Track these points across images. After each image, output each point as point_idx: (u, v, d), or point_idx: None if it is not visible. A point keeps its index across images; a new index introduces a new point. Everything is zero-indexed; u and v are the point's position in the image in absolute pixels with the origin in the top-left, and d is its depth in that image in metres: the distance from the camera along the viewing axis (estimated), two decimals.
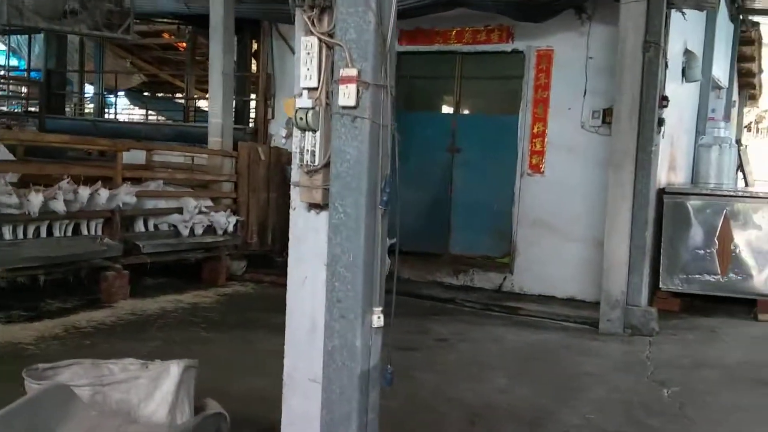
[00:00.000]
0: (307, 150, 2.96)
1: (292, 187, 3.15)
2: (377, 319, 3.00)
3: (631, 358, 6.55)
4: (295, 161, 3.09)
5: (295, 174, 3.12)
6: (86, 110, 19.16)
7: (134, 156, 9.66)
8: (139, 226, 8.31)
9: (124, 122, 13.85)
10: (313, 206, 3.06)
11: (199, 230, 8.64)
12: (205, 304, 7.92)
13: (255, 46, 11.60)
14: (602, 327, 7.49)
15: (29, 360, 5.25)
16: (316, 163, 2.95)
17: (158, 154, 9.83)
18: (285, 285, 8.52)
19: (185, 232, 8.40)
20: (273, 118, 10.80)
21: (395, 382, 3.37)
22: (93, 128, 11.53)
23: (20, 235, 6.95)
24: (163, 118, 21.11)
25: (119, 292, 7.68)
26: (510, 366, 6.10)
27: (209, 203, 9.10)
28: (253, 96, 11.74)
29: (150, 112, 24.04)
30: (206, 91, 11.92)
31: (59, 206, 6.75)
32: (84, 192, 7.11)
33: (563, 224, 9.08)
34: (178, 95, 22.09)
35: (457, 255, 9.94)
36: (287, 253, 9.25)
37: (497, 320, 7.96)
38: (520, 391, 5.43)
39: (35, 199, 6.54)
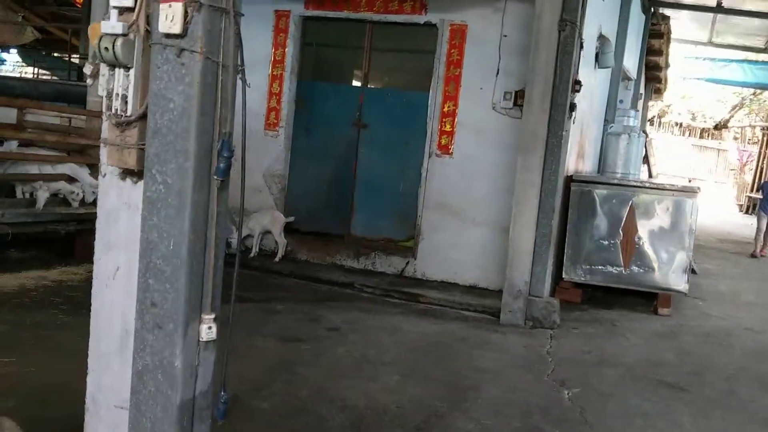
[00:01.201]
0: (118, 94, 2.30)
1: (101, 145, 2.48)
2: (207, 331, 2.37)
3: (531, 353, 6.22)
4: (105, 110, 2.42)
5: (105, 128, 2.45)
6: None
7: (6, 114, 8.62)
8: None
9: (2, 77, 12.49)
10: (127, 173, 2.40)
11: (75, 200, 7.74)
12: (72, 282, 7.07)
13: None
14: (503, 318, 7.17)
15: None
16: (129, 113, 2.30)
17: (32, 113, 8.81)
18: None
19: (41, 201, 7.47)
20: None
21: (226, 417, 2.65)
22: None
23: None
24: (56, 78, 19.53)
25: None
26: (402, 361, 5.64)
27: (86, 170, 8.19)
28: None
29: (43, 72, 22.32)
30: None
31: None
32: None
33: (470, 208, 8.70)
34: (75, 56, 20.53)
35: (359, 237, 9.42)
36: None
37: (396, 308, 7.51)
38: (410, 390, 4.97)
39: None
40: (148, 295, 2.28)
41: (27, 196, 7.66)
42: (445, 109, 8.81)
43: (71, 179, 7.86)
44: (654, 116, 30.59)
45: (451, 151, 8.79)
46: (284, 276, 8.56)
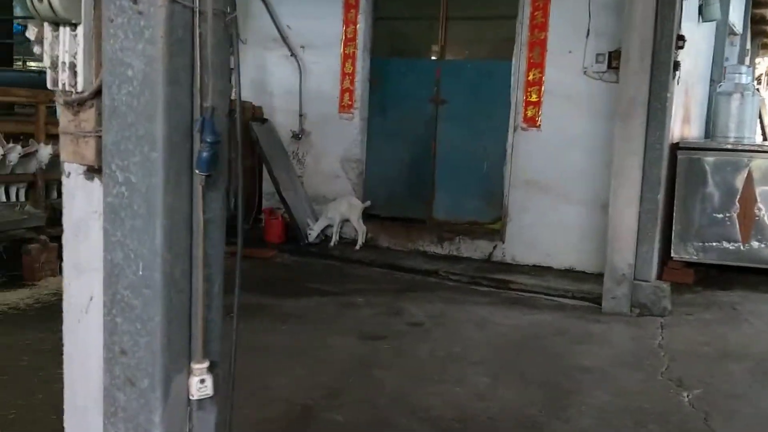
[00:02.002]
0: (65, 63, 1.78)
1: (60, 134, 1.97)
2: (200, 385, 1.75)
3: (640, 346, 5.50)
4: (50, 85, 1.91)
5: (59, 111, 1.94)
6: None
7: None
8: None
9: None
10: (92, 171, 1.87)
11: None
12: None
13: None
14: (605, 305, 6.44)
15: None
16: (81, 88, 1.78)
17: None
18: (246, 256, 7.44)
19: None
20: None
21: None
22: (39, 80, 10.31)
23: None
24: None
25: (44, 267, 6.64)
26: (492, 359, 5.05)
27: None
28: None
29: None
30: None
31: None
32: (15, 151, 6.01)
33: (562, 185, 7.96)
34: None
35: (442, 221, 8.84)
36: (253, 220, 7.82)
37: (484, 297, 6.91)
38: (502, 395, 4.38)
39: None
40: (116, 339, 1.69)
41: None
42: (530, 77, 8.07)
43: None
44: (761, 74, 28.29)
45: (538, 123, 8.06)
46: (364, 265, 8.11)
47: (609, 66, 7.52)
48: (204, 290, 1.76)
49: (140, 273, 1.63)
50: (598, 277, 6.94)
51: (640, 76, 6.22)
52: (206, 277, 1.77)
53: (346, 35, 8.96)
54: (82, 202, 1.83)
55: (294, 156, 9.39)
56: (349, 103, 9.04)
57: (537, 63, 8.03)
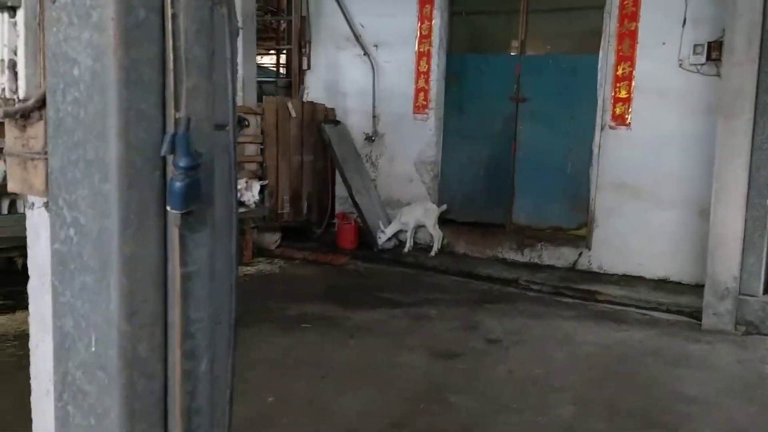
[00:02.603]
0: (3, 59, 1.43)
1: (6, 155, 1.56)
2: None
3: (748, 371, 4.88)
4: None
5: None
6: None
7: None
8: None
9: None
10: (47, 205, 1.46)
11: None
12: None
13: None
14: (706, 322, 5.82)
15: None
16: (23, 94, 1.39)
17: None
18: (317, 263, 7.06)
19: None
20: (309, 68, 9.38)
21: None
22: None
23: None
24: None
25: None
26: (577, 384, 4.55)
27: None
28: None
29: None
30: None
31: None
32: None
33: (654, 187, 7.33)
34: None
35: (523, 226, 8.35)
36: (326, 225, 7.48)
37: (568, 310, 6.39)
38: (591, 426, 3.90)
39: None
40: None
41: None
42: (619, 72, 7.48)
43: None
44: None
45: (627, 121, 7.45)
46: (440, 273, 7.71)
47: (708, 57, 6.86)
48: (184, 372, 1.25)
49: (92, 349, 1.23)
50: (696, 288, 6.32)
51: (746, 67, 5.57)
52: (188, 353, 1.26)
53: (420, 32, 8.59)
54: (46, 242, 1.44)
55: (367, 159, 9.10)
56: (424, 102, 8.66)
57: (627, 56, 7.43)
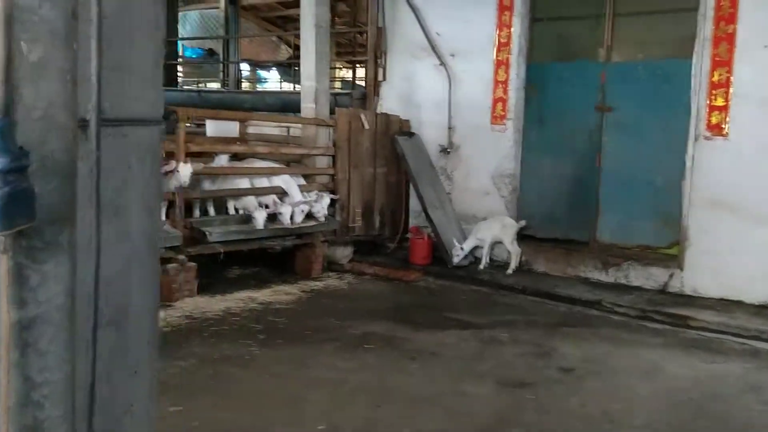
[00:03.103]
0: None
1: None
2: None
3: None
4: None
5: None
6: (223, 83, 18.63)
7: (228, 129, 8.52)
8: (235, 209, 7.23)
9: (230, 92, 12.93)
10: None
11: (287, 220, 7.18)
12: (281, 303, 6.53)
13: None
14: None
15: None
16: None
17: (254, 126, 8.63)
18: (388, 279, 6.77)
19: (260, 221, 6.97)
20: (384, 79, 9.18)
21: None
22: (198, 99, 10.63)
23: None
24: None
25: (183, 288, 6.52)
26: (662, 424, 4.07)
27: (301, 181, 7.70)
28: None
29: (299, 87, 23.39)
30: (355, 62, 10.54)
31: None
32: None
33: (755, 203, 6.68)
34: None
35: (607, 244, 7.81)
36: (400, 240, 7.26)
37: (655, 336, 5.86)
38: None
39: None
40: None
41: (241, 212, 7.35)
42: (715, 78, 6.88)
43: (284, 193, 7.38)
44: None
45: (725, 131, 6.84)
46: (516, 292, 7.29)
47: None
48: None
49: None
50: None
51: None
52: (25, 429, 0.95)
53: (499, 40, 8.23)
54: None
55: (442, 171, 8.78)
56: (502, 113, 8.28)
57: (723, 61, 6.83)
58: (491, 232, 7.97)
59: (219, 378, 4.58)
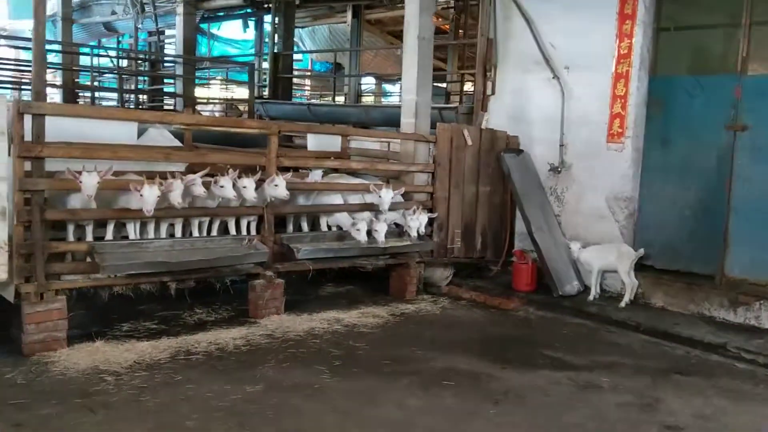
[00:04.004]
0: None
1: None
2: None
3: None
4: None
5: None
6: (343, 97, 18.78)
7: (329, 143, 8.41)
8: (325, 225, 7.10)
9: (339, 105, 12.84)
10: None
11: (381, 238, 6.87)
12: (366, 327, 6.24)
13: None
14: None
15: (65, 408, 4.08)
16: None
17: (356, 140, 8.46)
18: (485, 306, 6.29)
19: (359, 235, 6.70)
20: (493, 94, 8.71)
21: None
22: (308, 113, 10.62)
23: (151, 234, 5.98)
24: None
25: (269, 305, 6.40)
26: None
27: (399, 199, 7.39)
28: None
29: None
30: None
31: (174, 198, 5.54)
32: (227, 183, 5.86)
33: None
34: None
35: (737, 279, 6.92)
36: (503, 264, 6.78)
37: None
38: None
39: (149, 194, 5.39)
40: None
41: (334, 228, 7.14)
42: None
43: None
44: None
45: None
46: (627, 329, 6.60)
47: None
48: None
49: None
50: None
51: None
52: None
53: (619, 51, 7.56)
54: None
55: (552, 192, 8.19)
56: (620, 131, 7.60)
57: None
58: (604, 259, 7.29)
59: (281, 409, 4.33)
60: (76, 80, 14.22)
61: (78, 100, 13.77)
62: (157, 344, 5.42)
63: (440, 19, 18.40)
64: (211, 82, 20.28)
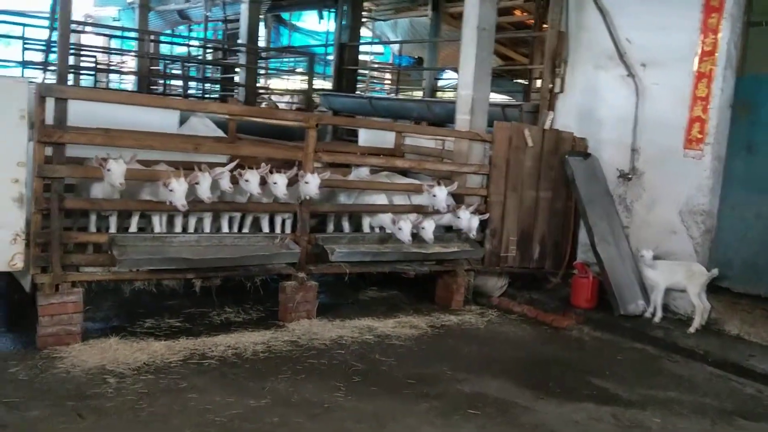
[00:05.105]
0: None
1: None
2: None
3: None
4: None
5: None
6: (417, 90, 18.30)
7: (382, 139, 8.02)
8: (366, 226, 6.75)
9: (400, 100, 12.35)
10: None
11: (429, 236, 6.40)
12: (399, 339, 5.79)
13: None
14: None
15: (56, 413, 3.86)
16: None
17: (411, 137, 8.01)
18: (536, 321, 6.26)
19: (402, 235, 6.24)
20: (562, 91, 8.06)
21: None
22: (369, 106, 10.22)
23: (178, 228, 5.74)
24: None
25: (300, 308, 6.06)
26: None
27: (450, 201, 6.90)
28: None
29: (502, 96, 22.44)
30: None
31: (203, 192, 5.26)
32: (252, 177, 5.54)
33: None
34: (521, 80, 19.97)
35: None
36: (563, 276, 6.04)
37: None
38: None
39: (178, 187, 5.13)
40: None
41: (376, 230, 6.73)
42: None
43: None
44: None
45: None
46: (693, 358, 5.89)
47: None
48: None
49: None
50: None
51: None
52: None
53: (702, 48, 6.80)
54: None
55: (620, 201, 7.48)
56: (699, 136, 6.83)
57: None
58: (672, 277, 6.59)
59: (279, 428, 3.96)
60: (152, 68, 14.36)
61: (152, 87, 13.88)
62: (172, 345, 5.17)
63: (525, 14, 17.67)
64: (289, 73, 20.20)
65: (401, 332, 5.97)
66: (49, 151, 4.95)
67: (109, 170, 4.99)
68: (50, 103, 4.91)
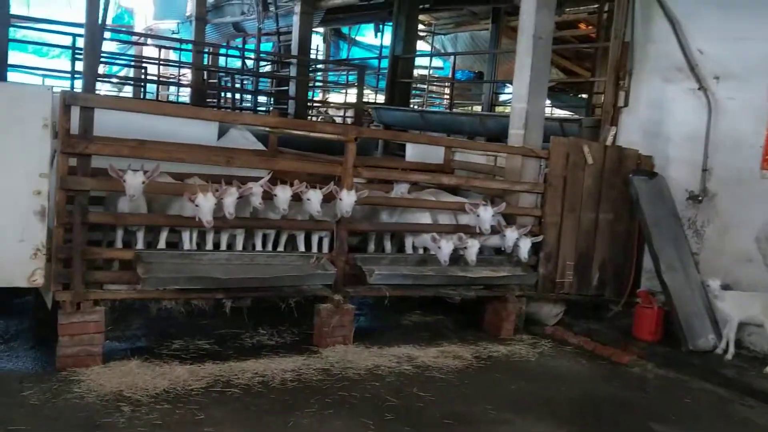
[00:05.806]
0: None
1: None
2: None
3: None
4: None
5: None
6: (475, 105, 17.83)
7: (431, 154, 7.62)
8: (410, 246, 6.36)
9: (452, 113, 11.90)
10: None
11: (472, 257, 5.97)
12: (440, 371, 5.34)
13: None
14: None
15: None
16: None
17: (461, 152, 7.59)
18: (593, 355, 5.56)
19: (440, 254, 5.82)
20: (626, 105, 7.49)
21: None
22: (420, 120, 9.83)
23: (209, 245, 5.45)
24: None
25: (336, 333, 5.69)
26: None
27: (500, 220, 6.45)
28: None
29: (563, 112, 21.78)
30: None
31: (226, 208, 4.95)
32: (281, 193, 5.21)
33: None
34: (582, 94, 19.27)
35: None
36: (625, 304, 5.39)
37: None
38: None
39: (204, 203, 4.86)
40: None
41: (420, 250, 6.32)
42: None
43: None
44: None
45: None
46: None
47: None
48: None
49: None
50: None
51: None
52: None
53: None
54: None
55: (690, 225, 6.86)
56: None
57: None
58: (746, 309, 5.96)
59: None
60: (209, 81, 14.37)
61: (207, 100, 13.87)
62: (197, 370, 4.86)
63: (589, 27, 17.04)
64: (344, 86, 20.07)
65: (443, 363, 5.52)
66: (73, 162, 4.75)
67: (124, 182, 4.75)
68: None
